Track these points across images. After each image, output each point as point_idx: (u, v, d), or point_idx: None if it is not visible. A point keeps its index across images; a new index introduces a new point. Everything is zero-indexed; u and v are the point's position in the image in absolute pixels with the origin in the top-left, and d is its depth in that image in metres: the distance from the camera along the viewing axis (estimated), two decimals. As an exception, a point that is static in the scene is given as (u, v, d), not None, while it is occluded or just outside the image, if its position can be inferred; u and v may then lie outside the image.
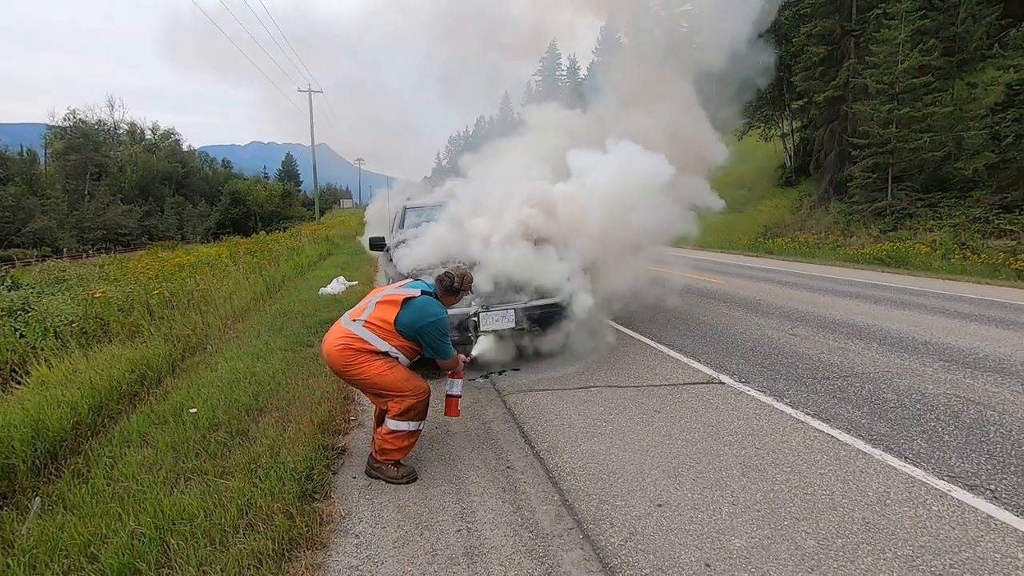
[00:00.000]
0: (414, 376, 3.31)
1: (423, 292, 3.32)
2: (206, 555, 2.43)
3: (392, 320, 3.19)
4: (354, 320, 3.27)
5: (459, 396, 3.56)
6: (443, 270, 3.48)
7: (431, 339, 3.23)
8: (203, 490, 2.96)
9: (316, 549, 2.57)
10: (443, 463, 3.45)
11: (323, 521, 2.78)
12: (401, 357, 3.27)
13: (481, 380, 5.02)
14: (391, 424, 3.21)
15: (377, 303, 3.29)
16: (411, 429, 3.25)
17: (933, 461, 3.28)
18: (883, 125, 17.46)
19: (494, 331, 4.93)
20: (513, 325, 4.95)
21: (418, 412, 3.27)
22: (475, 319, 4.82)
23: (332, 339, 3.24)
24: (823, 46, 21.16)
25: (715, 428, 3.82)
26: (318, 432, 3.72)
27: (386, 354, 3.21)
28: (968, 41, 17.71)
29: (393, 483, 3.21)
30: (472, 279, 3.58)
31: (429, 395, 3.34)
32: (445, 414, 3.59)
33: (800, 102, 24.97)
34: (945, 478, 3.07)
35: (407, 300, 3.23)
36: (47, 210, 44.66)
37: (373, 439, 3.36)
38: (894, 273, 12.25)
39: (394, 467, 3.25)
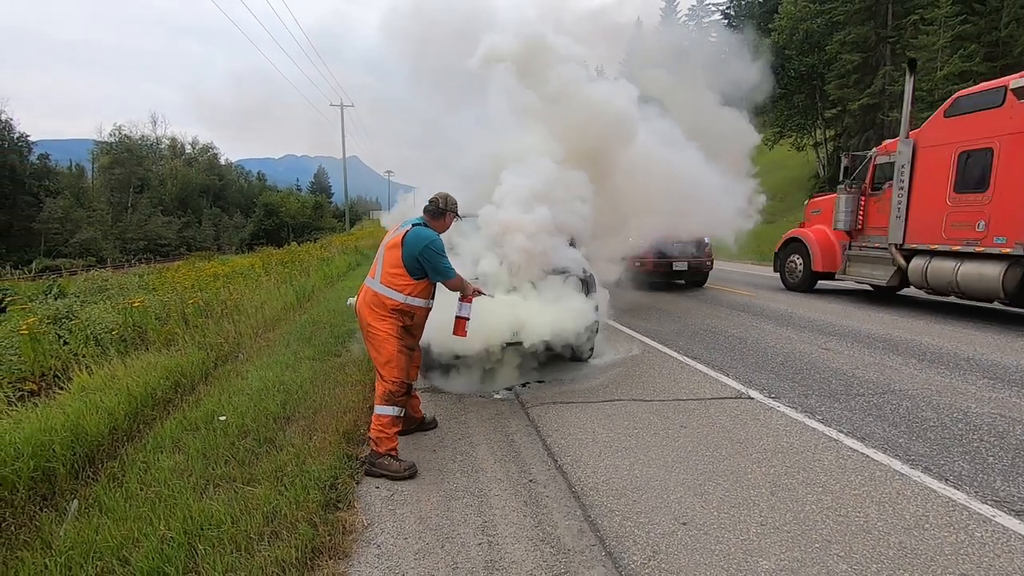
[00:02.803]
0: (406, 365, 3.60)
1: (414, 225, 3.65)
2: (232, 562, 2.47)
3: (400, 261, 3.53)
4: (372, 277, 3.62)
5: (467, 318, 3.81)
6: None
7: (431, 261, 3.55)
8: (231, 497, 3.02)
9: (338, 559, 2.59)
10: (465, 475, 3.45)
11: (346, 531, 2.80)
12: (418, 301, 3.60)
13: (505, 392, 5.01)
14: (378, 409, 3.49)
15: (385, 252, 3.61)
16: (394, 415, 3.51)
17: (976, 484, 3.13)
18: (921, 133, 16.94)
19: (515, 343, 4.91)
20: (536, 337, 4.93)
21: (396, 398, 3.53)
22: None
23: (361, 298, 3.64)
24: (857, 54, 20.73)
25: (743, 445, 3.72)
26: (343, 442, 3.76)
27: (400, 313, 3.55)
28: (1012, 46, 17.11)
29: (396, 477, 3.37)
30: (455, 200, 3.83)
31: (406, 388, 3.61)
32: (453, 333, 3.83)
33: (834, 110, 24.49)
34: (989, 502, 2.93)
35: (404, 237, 3.56)
36: (93, 222, 46.71)
37: (369, 438, 3.56)
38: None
39: (395, 460, 3.43)
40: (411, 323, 3.67)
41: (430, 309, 3.79)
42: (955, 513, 2.84)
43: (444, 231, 3.82)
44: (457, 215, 3.90)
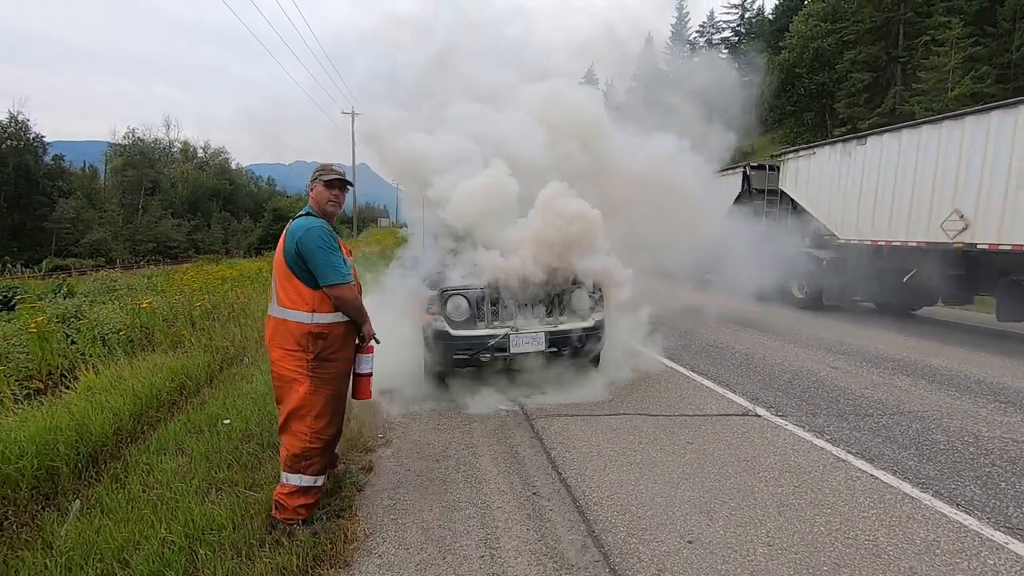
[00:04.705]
0: (328, 414, 2.81)
1: (292, 219, 2.90)
2: (232, 568, 2.45)
3: (287, 269, 2.77)
4: (272, 303, 2.86)
5: (370, 374, 3.09)
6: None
7: (310, 257, 2.72)
8: (233, 501, 3.00)
9: (339, 567, 2.57)
10: (469, 485, 3.42)
11: (347, 539, 2.77)
12: (327, 317, 2.79)
13: (509, 404, 4.98)
14: (283, 476, 2.78)
15: (275, 266, 2.87)
16: (304, 485, 2.75)
17: (988, 510, 3.07)
18: (932, 153, 16.91)
19: (522, 353, 4.90)
20: (543, 348, 4.91)
21: (313, 464, 2.76)
22: (505, 340, 4.80)
23: (268, 334, 2.87)
24: (868, 73, 20.78)
25: (750, 463, 3.68)
26: (346, 448, 3.74)
27: (312, 338, 2.75)
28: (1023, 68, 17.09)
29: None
30: (331, 167, 3.00)
31: (327, 450, 2.85)
32: (354, 396, 3.08)
33: (843, 129, 24.47)
34: (1001, 529, 2.87)
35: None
36: (104, 223, 47.15)
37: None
38: (945, 306, 11.69)
39: (297, 527, 2.72)
40: (329, 349, 2.79)
41: (349, 322, 2.90)
42: (967, 539, 2.78)
43: (323, 206, 2.92)
44: (348, 182, 3.02)
